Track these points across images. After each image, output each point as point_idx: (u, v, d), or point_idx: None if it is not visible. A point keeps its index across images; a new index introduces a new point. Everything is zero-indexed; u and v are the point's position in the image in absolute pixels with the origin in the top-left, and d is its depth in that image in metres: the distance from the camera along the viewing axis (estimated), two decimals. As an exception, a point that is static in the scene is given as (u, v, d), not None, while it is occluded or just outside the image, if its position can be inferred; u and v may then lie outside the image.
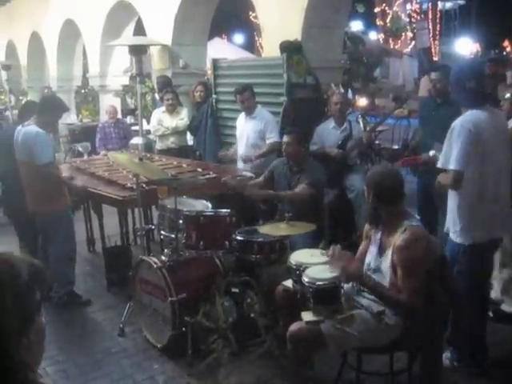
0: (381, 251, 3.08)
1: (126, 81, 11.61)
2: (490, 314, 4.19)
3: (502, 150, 3.46)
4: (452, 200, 3.50)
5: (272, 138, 5.73)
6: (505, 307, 4.32)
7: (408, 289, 2.85)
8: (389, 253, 2.99)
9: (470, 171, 3.32)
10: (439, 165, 3.43)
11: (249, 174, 5.41)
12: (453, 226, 3.50)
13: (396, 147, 8.63)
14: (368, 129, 6.47)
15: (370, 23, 24.43)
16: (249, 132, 5.88)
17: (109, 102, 9.96)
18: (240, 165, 6.02)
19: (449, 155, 3.33)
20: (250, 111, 5.88)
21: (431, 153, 3.97)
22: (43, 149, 4.63)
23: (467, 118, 3.34)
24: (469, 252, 3.43)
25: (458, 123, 3.33)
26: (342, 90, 7.81)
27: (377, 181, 3.04)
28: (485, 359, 3.60)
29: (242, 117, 6.04)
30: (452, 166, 3.32)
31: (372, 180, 3.06)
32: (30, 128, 4.71)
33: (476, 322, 3.59)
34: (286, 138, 4.71)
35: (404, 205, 3.08)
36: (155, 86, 7.88)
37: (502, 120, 3.69)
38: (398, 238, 2.92)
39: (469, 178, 3.33)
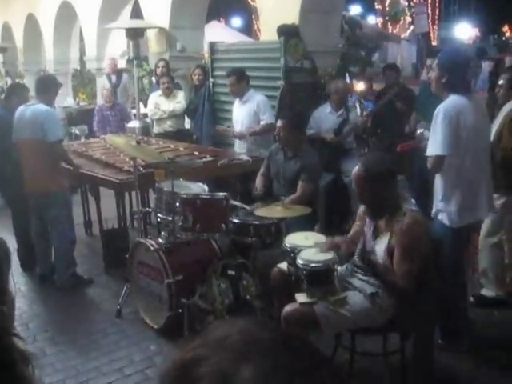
0: (375, 234, 3.12)
1: (122, 64, 11.57)
2: (471, 298, 4.25)
3: (483, 134, 3.54)
4: (437, 184, 3.56)
5: (265, 119, 5.75)
6: (485, 292, 4.38)
7: (404, 271, 2.88)
8: (385, 236, 3.02)
9: (454, 156, 3.38)
10: (428, 153, 3.47)
11: (245, 158, 5.43)
12: (439, 209, 3.56)
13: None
14: (365, 114, 6.50)
15: (368, 7, 24.32)
16: (243, 116, 5.90)
17: (105, 85, 9.93)
18: (236, 144, 6.08)
19: (434, 141, 3.39)
20: (240, 96, 5.90)
21: (419, 131, 4.00)
22: (55, 126, 4.73)
23: (449, 104, 3.40)
24: (453, 234, 3.49)
25: (440, 109, 3.39)
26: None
27: (383, 168, 3.03)
28: (467, 337, 3.68)
29: (236, 102, 6.07)
30: (435, 151, 3.38)
31: (376, 170, 3.01)
32: (39, 106, 4.77)
33: (459, 300, 3.66)
34: (279, 123, 4.70)
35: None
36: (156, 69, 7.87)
37: (482, 106, 3.80)
38: (399, 222, 2.94)
39: (452, 163, 3.40)
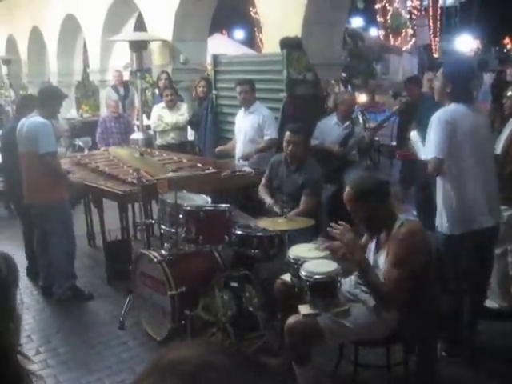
0: (378, 247, 3.13)
1: (126, 76, 11.64)
2: None
3: (483, 143, 3.54)
4: (437, 192, 3.58)
5: (269, 134, 5.74)
6: (488, 303, 4.36)
7: (392, 278, 2.87)
8: (385, 248, 3.03)
9: (451, 163, 3.41)
10: (423, 157, 3.50)
11: (248, 170, 5.45)
12: (439, 217, 3.57)
13: (394, 144, 8.66)
14: (369, 126, 6.52)
15: (370, 20, 24.42)
16: (247, 127, 5.90)
17: (112, 97, 9.98)
18: (238, 162, 6.06)
19: (429, 145, 3.43)
20: (246, 105, 5.90)
21: (412, 133, 4.00)
22: (47, 138, 4.71)
23: (445, 111, 3.44)
24: (451, 242, 3.50)
25: (436, 116, 3.43)
26: (342, 88, 7.83)
27: (370, 185, 3.07)
28: (471, 348, 3.67)
29: (240, 112, 6.07)
30: (432, 154, 3.40)
31: (364, 188, 3.06)
32: (35, 119, 4.80)
33: (462, 311, 3.64)
34: (292, 137, 4.56)
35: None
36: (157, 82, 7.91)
37: (484, 116, 3.85)
38: (395, 232, 2.96)
39: (450, 170, 3.42)
